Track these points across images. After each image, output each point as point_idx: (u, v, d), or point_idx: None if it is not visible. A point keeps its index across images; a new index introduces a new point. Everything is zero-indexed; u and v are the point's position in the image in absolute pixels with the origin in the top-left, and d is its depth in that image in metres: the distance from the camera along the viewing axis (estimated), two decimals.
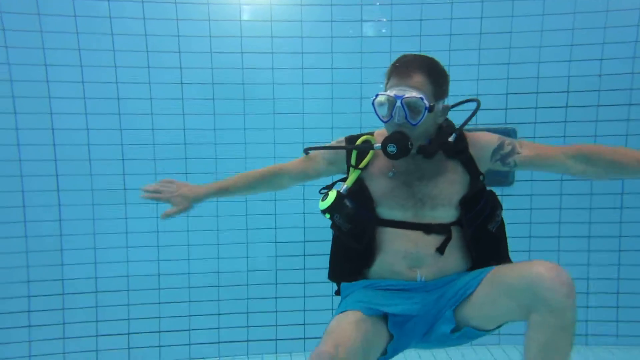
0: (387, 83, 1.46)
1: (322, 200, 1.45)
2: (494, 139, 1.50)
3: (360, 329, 1.36)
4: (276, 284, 2.81)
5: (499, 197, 1.59)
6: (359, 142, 1.55)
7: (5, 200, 2.57)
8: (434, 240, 1.46)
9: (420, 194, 1.46)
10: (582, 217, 2.78)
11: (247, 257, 2.79)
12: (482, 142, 1.50)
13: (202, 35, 2.61)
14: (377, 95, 1.43)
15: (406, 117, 1.38)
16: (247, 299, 2.80)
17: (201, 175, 2.51)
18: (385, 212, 1.49)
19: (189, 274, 2.75)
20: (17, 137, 2.55)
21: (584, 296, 2.81)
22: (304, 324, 2.83)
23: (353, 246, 1.50)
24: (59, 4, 2.49)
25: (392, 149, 1.38)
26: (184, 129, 2.67)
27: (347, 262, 1.55)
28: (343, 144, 1.58)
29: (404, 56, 1.46)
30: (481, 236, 1.49)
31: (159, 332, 2.76)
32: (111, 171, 2.64)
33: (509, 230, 2.81)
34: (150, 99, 2.62)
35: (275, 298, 2.82)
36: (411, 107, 1.38)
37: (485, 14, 2.65)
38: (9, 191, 2.57)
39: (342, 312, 1.45)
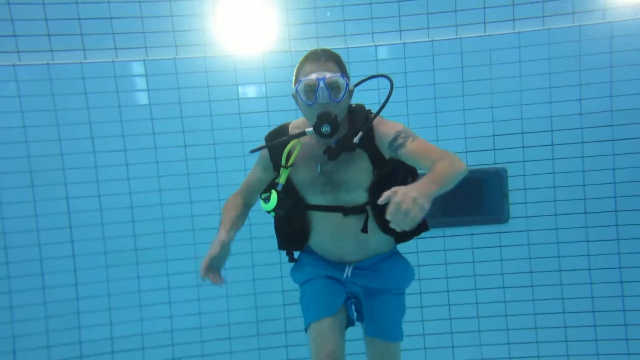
0: (299, 75, 1.60)
1: (265, 203, 1.65)
2: (391, 131, 1.61)
3: (336, 329, 1.70)
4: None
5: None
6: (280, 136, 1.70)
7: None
8: (352, 221, 1.68)
9: (335, 179, 1.65)
10: (580, 250, 2.83)
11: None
12: (384, 133, 1.62)
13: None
14: (300, 82, 1.56)
15: (330, 96, 1.53)
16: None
17: None
18: (310, 198, 1.70)
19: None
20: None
21: (592, 329, 2.81)
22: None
23: (289, 230, 1.79)
24: None
25: (326, 128, 1.53)
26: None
27: (289, 237, 1.84)
28: (264, 146, 1.72)
29: (311, 51, 1.63)
30: None
31: None
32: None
33: (509, 267, 2.91)
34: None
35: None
36: (332, 86, 1.54)
37: (466, 64, 2.84)
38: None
39: (313, 321, 1.73)
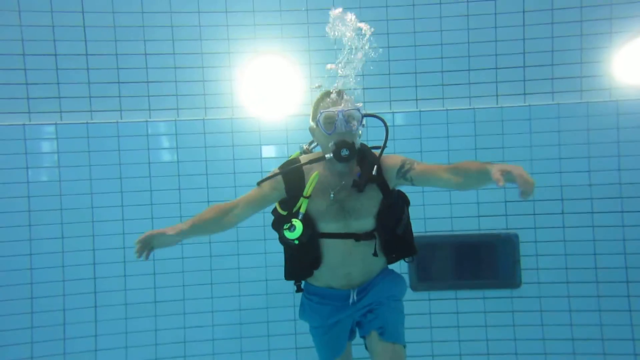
0: (319, 108, 1.81)
1: (291, 231, 1.77)
2: (398, 161, 1.83)
3: None
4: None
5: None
6: (294, 164, 1.88)
7: None
8: (362, 246, 1.85)
9: (347, 207, 1.82)
10: (593, 319, 2.85)
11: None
12: (390, 165, 1.84)
13: None
14: (321, 114, 1.78)
15: (347, 126, 1.75)
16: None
17: None
18: (324, 226, 1.84)
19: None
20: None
21: None
22: None
23: (302, 258, 1.89)
24: None
25: (345, 152, 1.73)
26: None
27: (299, 266, 1.94)
28: (279, 173, 1.86)
29: (327, 90, 1.86)
30: (393, 238, 1.90)
31: None
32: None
33: (521, 333, 2.92)
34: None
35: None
36: (350, 117, 1.77)
37: (479, 132, 2.97)
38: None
39: None
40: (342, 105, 1.77)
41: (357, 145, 1.80)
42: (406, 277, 2.95)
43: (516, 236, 2.94)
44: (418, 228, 2.94)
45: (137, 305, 2.87)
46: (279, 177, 1.86)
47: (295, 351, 2.93)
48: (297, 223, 1.77)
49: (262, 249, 2.93)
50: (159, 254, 2.79)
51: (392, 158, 1.85)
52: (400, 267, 2.90)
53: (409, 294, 2.93)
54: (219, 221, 1.84)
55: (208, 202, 2.94)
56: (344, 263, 1.86)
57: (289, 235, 1.77)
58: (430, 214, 2.96)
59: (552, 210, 2.91)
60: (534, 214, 2.94)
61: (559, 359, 2.85)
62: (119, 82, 2.86)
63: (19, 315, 2.78)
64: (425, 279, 2.99)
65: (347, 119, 1.76)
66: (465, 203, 2.97)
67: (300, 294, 2.08)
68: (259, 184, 1.89)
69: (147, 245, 1.74)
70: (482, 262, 3.03)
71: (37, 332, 2.79)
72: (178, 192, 2.94)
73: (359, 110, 1.78)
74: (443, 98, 2.98)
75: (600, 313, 2.84)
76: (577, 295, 2.87)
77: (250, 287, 2.95)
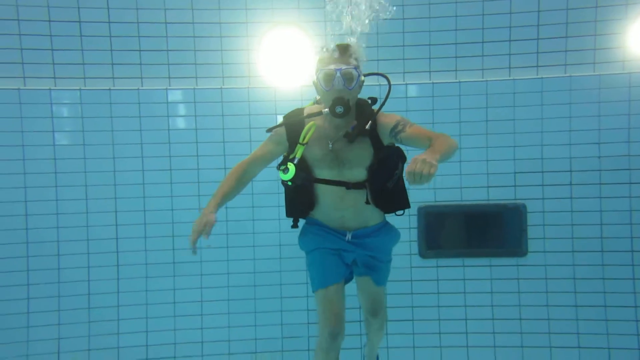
0: (320, 65, 1.88)
1: (284, 173, 1.93)
2: (393, 121, 1.92)
3: (339, 293, 2.05)
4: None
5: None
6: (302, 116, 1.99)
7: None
8: (353, 194, 1.99)
9: (341, 157, 1.96)
10: (596, 287, 2.94)
11: None
12: (385, 123, 1.93)
13: None
14: (320, 71, 1.86)
15: (344, 84, 1.83)
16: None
17: None
18: (318, 172, 1.99)
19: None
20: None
21: None
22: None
23: (298, 199, 2.06)
24: None
25: (339, 109, 1.83)
26: None
27: (297, 206, 2.12)
28: (283, 124, 2.00)
29: (331, 45, 1.91)
30: (384, 190, 2.00)
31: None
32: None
33: (526, 300, 3.01)
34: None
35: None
36: (347, 76, 1.85)
37: (490, 105, 3.02)
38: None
39: (321, 288, 2.05)
40: (342, 63, 1.84)
41: (353, 102, 1.89)
42: (415, 245, 3.06)
43: (524, 206, 3.02)
44: (428, 197, 3.07)
45: (157, 265, 3.01)
46: (282, 131, 2.00)
47: (307, 313, 3.06)
48: (291, 166, 1.91)
49: (276, 216, 3.03)
50: (177, 217, 3.02)
51: (389, 117, 1.94)
52: (410, 235, 3.03)
53: (418, 261, 3.08)
54: (242, 183, 2.06)
55: (225, 168, 3.03)
56: (337, 207, 2.02)
57: (282, 176, 1.93)
58: (440, 184, 3.04)
59: (561, 181, 2.97)
60: (543, 185, 3.00)
61: (562, 325, 2.95)
62: (139, 50, 2.94)
63: (46, 271, 2.93)
64: (434, 247, 3.08)
65: (345, 77, 1.84)
66: (475, 174, 3.03)
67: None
68: (268, 131, 2.05)
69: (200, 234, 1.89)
70: (490, 231, 3.11)
71: (63, 287, 2.94)
72: (196, 159, 3.03)
73: (356, 69, 1.86)
74: (456, 70, 3.02)
75: (603, 281, 2.92)
76: (581, 264, 2.95)
77: (264, 251, 3.06)
